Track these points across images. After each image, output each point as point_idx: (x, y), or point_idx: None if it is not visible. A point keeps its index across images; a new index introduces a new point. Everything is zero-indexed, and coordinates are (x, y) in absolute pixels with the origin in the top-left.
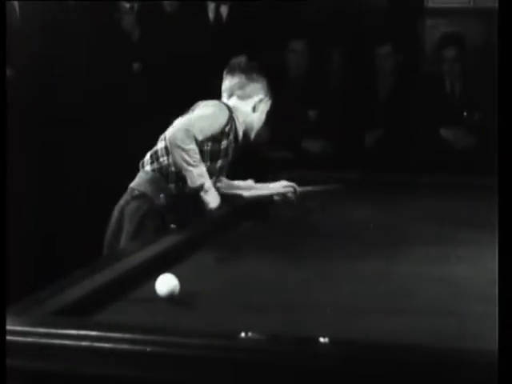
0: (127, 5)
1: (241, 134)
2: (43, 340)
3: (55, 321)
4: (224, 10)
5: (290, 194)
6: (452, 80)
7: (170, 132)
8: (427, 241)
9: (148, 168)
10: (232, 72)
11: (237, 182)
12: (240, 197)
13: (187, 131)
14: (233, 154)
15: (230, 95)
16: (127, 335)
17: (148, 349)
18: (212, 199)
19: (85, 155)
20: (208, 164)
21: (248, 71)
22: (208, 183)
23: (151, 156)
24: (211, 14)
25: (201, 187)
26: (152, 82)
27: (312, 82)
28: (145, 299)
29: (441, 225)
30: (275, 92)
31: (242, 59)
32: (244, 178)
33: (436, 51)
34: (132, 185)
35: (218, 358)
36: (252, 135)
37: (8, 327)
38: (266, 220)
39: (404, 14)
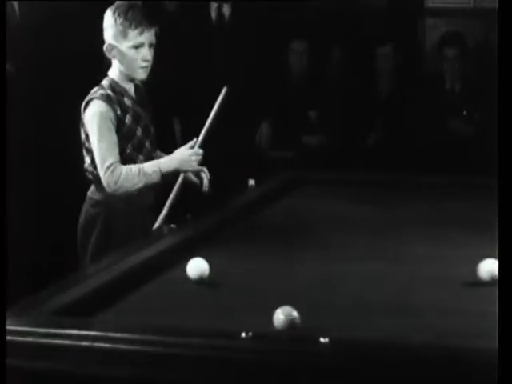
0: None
1: (132, 91)
2: (43, 340)
3: (55, 321)
4: (226, 10)
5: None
6: (452, 80)
7: (104, 184)
8: (427, 241)
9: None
10: None
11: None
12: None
13: (108, 171)
14: (143, 109)
15: None
16: (127, 335)
17: None
18: (154, 177)
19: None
20: (134, 140)
21: None
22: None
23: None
24: (213, 14)
25: (157, 175)
26: (153, 81)
27: (312, 82)
28: (145, 299)
29: (441, 225)
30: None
31: None
32: (244, 178)
33: (436, 51)
34: (89, 193)
35: (218, 358)
36: (134, 75)
37: (8, 327)
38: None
39: (404, 14)
